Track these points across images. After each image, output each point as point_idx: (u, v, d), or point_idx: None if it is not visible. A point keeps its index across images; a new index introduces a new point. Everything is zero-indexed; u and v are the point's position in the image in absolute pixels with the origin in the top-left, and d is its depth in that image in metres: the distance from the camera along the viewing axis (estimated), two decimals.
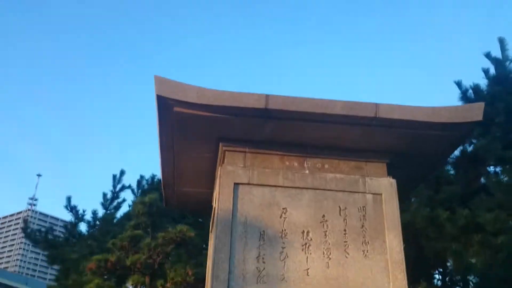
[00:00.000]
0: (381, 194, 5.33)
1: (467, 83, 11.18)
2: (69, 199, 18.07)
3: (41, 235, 17.23)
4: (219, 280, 4.80)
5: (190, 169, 6.14)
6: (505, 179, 8.98)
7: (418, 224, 9.63)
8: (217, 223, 5.09)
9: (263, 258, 4.97)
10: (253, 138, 5.45)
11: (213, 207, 5.57)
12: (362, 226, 5.20)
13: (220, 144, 5.52)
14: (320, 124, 5.14)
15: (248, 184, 5.33)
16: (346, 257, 5.04)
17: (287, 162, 5.54)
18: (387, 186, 5.38)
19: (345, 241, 5.12)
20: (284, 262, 4.97)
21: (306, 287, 4.87)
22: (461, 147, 10.78)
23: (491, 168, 10.49)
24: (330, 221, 5.21)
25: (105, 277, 8.70)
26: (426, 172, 5.88)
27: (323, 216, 5.23)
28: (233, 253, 4.95)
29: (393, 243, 5.10)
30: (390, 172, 5.50)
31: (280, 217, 5.20)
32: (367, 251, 5.08)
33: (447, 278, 11.17)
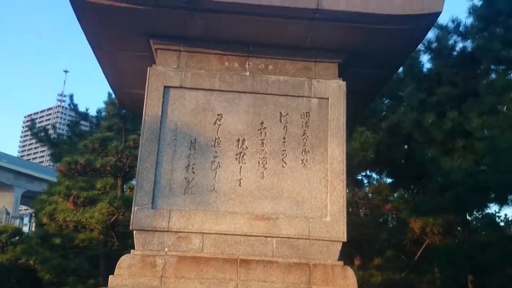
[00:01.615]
0: (327, 99, 4.77)
1: None
2: (71, 97, 17.96)
3: (46, 134, 17.41)
4: (143, 190, 4.52)
5: (131, 70, 5.59)
6: (499, 80, 8.10)
7: (405, 129, 9.07)
8: (144, 130, 4.69)
9: (193, 168, 4.61)
10: (187, 34, 4.81)
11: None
12: (304, 133, 4.73)
13: (151, 41, 4.92)
14: (256, 18, 4.44)
15: (180, 87, 4.81)
16: (283, 166, 4.64)
17: (226, 62, 4.94)
18: (335, 89, 4.79)
19: (283, 150, 4.69)
20: (216, 172, 4.62)
21: (237, 198, 4.55)
22: (460, 46, 9.83)
23: (494, 67, 9.54)
24: (269, 128, 4.74)
25: (76, 179, 8.69)
26: (385, 75, 5.21)
27: (262, 123, 4.75)
28: (160, 162, 4.60)
29: (336, 151, 4.65)
30: (343, 75, 4.87)
31: (214, 124, 4.74)
32: (307, 161, 4.66)
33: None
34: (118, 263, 4.32)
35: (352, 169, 10.26)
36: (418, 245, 9.77)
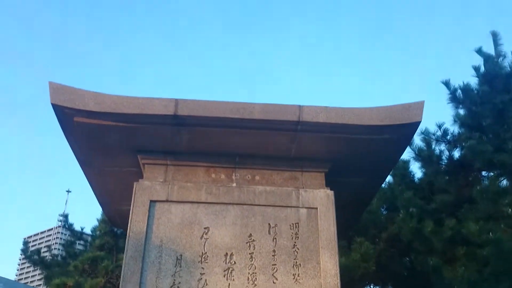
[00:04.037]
0: (316, 208, 4.67)
1: (457, 82, 10.36)
2: (66, 216, 17.87)
3: (39, 256, 16.94)
4: None
5: (119, 186, 5.57)
6: (492, 186, 8.07)
7: (404, 237, 8.81)
8: (128, 248, 4.51)
9: (178, 287, 4.35)
10: (174, 148, 4.87)
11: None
12: (294, 245, 4.54)
13: (139, 157, 4.96)
14: (240, 131, 4.53)
15: (167, 201, 4.73)
16: (274, 282, 4.38)
17: (213, 174, 4.93)
18: (323, 198, 4.70)
19: (273, 264, 4.46)
20: None
21: None
22: (447, 153, 9.96)
23: (486, 173, 9.60)
24: (258, 241, 4.56)
25: None
26: (373, 184, 5.17)
27: (250, 235, 4.59)
28: (144, 282, 4.34)
29: (328, 264, 4.42)
30: (330, 184, 4.83)
31: (201, 238, 4.58)
32: (298, 275, 4.41)
33: None
34: None
35: (354, 283, 9.77)
36: None
